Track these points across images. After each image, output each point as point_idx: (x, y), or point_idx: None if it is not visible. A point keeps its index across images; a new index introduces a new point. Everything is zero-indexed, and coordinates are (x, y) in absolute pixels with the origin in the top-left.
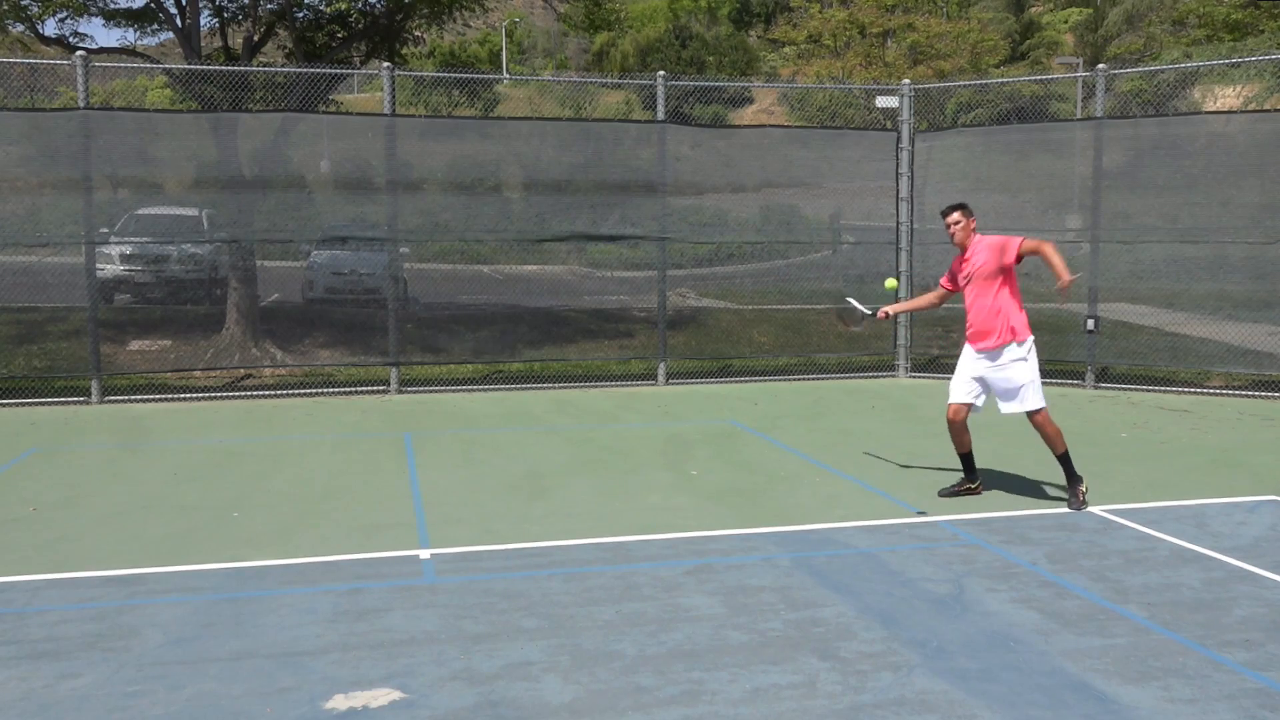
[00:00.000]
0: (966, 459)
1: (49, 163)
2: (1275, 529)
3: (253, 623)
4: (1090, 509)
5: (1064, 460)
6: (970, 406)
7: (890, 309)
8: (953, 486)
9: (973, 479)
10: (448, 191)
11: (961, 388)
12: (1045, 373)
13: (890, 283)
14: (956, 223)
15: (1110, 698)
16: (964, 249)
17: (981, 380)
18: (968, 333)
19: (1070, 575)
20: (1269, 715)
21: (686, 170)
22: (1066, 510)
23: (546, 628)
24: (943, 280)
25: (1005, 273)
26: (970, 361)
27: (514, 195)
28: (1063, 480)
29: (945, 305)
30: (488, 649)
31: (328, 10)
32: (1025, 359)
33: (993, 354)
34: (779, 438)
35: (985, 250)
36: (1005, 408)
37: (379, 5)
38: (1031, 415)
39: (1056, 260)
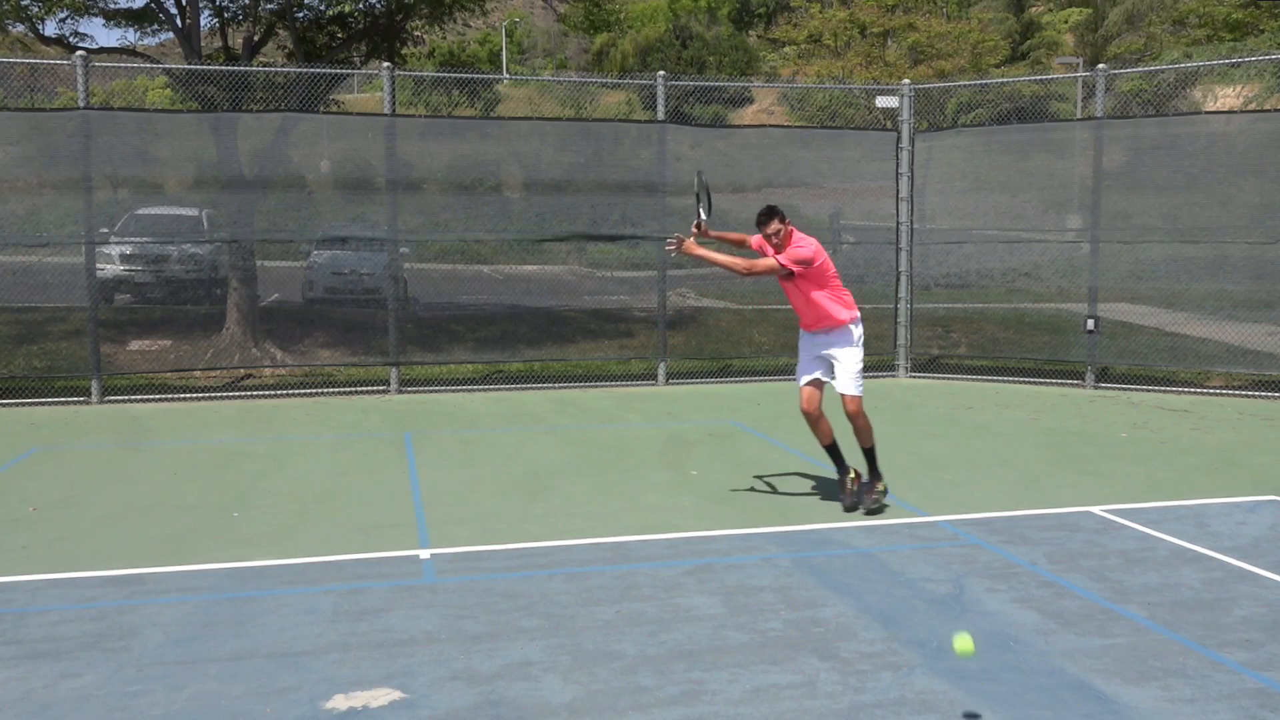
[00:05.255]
0: (832, 451)
1: (49, 163)
2: (1275, 529)
3: (253, 623)
4: (1090, 509)
5: (868, 455)
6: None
7: (697, 250)
8: (845, 494)
9: (846, 470)
10: (448, 191)
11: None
12: (1046, 373)
13: (962, 646)
14: (776, 231)
15: (1110, 698)
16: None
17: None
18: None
19: (1070, 575)
20: (1269, 715)
21: (687, 170)
22: (1066, 510)
23: (546, 628)
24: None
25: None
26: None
27: (514, 195)
28: (1064, 479)
29: (946, 305)
30: (488, 649)
31: (328, 11)
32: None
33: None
34: (779, 438)
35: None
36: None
37: (379, 5)
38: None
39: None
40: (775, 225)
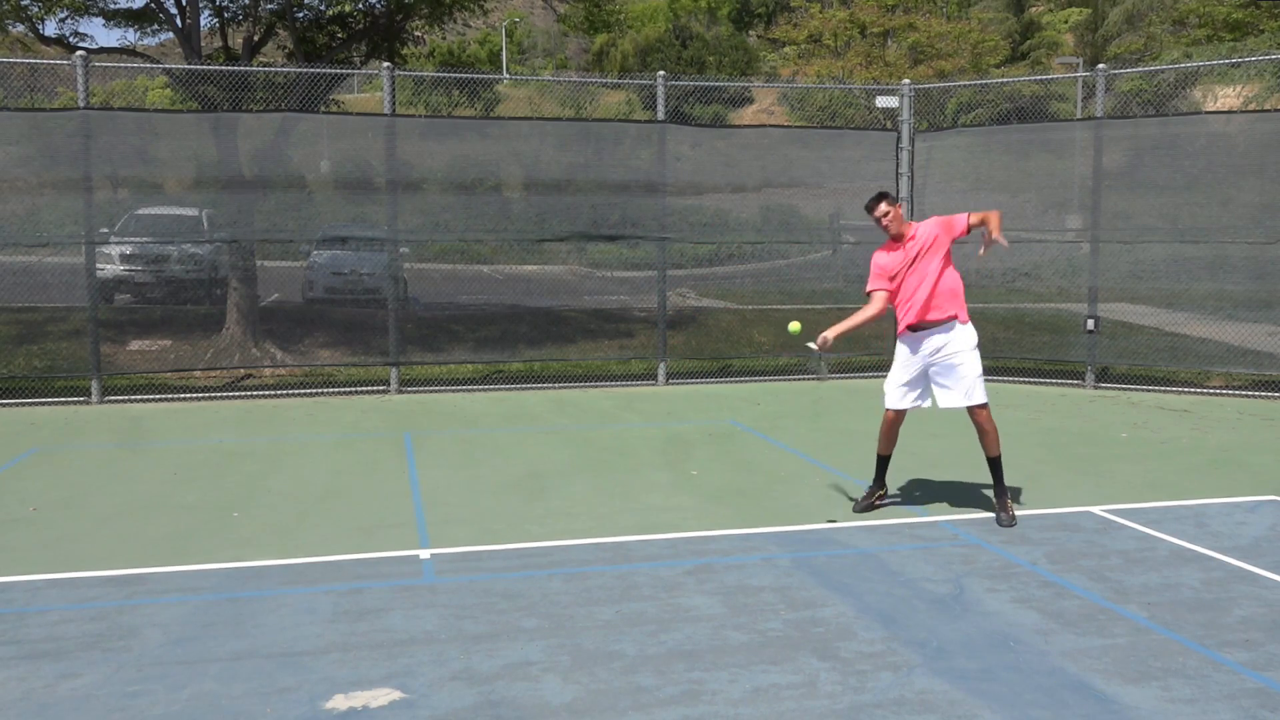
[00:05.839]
0: (883, 463)
1: (49, 163)
2: (1275, 529)
3: (253, 623)
4: (1090, 509)
5: (995, 465)
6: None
7: (830, 334)
8: (864, 499)
9: (881, 486)
10: (448, 191)
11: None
12: (1046, 373)
13: (794, 326)
14: (886, 214)
15: (1110, 698)
16: (901, 236)
17: (923, 375)
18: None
19: (1070, 575)
20: (1269, 715)
21: (686, 170)
22: (1066, 510)
23: (546, 628)
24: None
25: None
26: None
27: (514, 195)
28: (1064, 479)
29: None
30: (488, 649)
31: (328, 11)
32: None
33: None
34: (779, 438)
35: (931, 226)
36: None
37: (379, 5)
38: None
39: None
40: (884, 207)
